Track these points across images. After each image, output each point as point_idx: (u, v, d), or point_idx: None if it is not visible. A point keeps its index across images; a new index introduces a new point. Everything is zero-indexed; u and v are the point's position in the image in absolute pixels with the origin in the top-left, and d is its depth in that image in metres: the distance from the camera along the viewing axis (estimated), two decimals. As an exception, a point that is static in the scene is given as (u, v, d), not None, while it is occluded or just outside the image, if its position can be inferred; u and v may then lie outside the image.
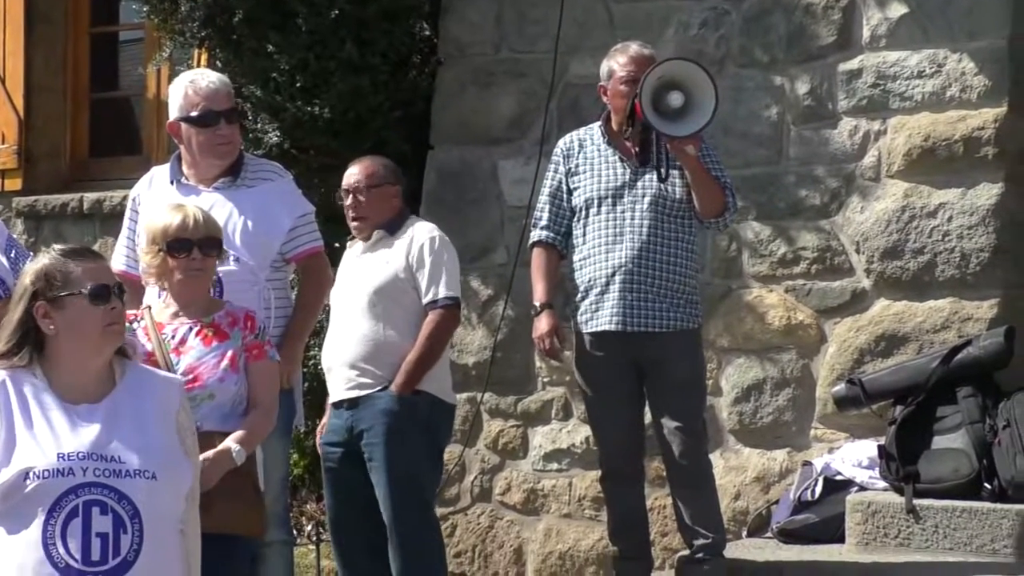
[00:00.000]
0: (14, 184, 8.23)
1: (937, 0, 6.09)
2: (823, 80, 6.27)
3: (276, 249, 5.14)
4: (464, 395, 6.54)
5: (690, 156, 5.22)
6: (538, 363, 6.67)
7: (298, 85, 6.74)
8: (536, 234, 5.54)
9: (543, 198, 5.56)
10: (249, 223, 5.06)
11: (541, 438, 6.70)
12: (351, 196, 5.49)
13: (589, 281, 5.38)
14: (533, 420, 6.72)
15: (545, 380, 6.70)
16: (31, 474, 3.23)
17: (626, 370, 5.37)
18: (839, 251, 6.22)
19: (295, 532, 6.25)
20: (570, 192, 5.48)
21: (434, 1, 7.02)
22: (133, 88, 8.46)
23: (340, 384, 5.37)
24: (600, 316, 5.35)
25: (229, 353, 4.43)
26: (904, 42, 6.14)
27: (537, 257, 5.54)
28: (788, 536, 5.82)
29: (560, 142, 5.61)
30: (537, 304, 5.48)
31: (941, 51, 6.07)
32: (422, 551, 5.30)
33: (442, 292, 5.35)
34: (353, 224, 5.51)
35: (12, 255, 4.62)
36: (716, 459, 6.01)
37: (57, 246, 3.49)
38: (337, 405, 5.41)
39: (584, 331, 5.42)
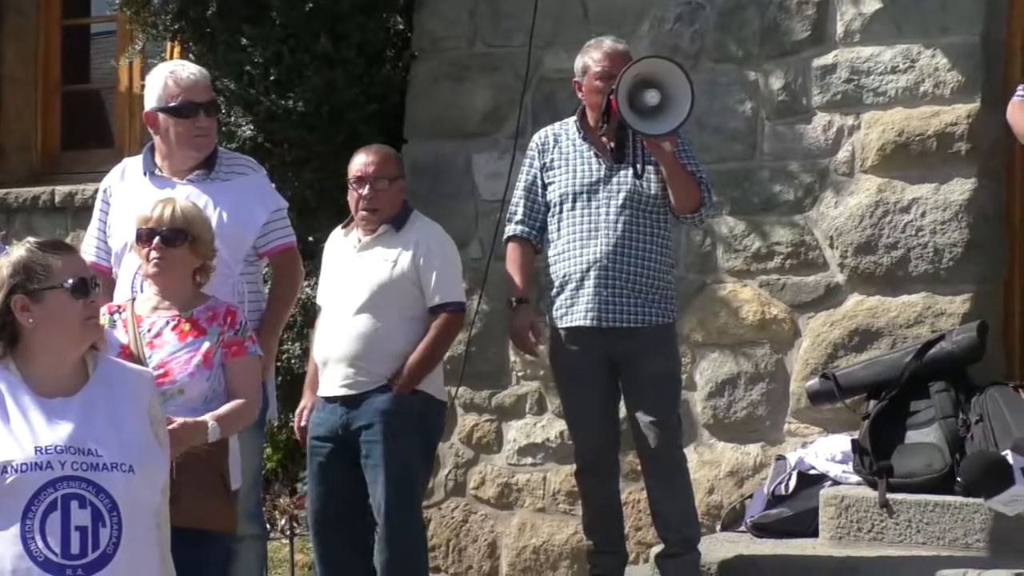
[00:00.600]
0: (-15, 177, 8.19)
1: (911, -4, 6.11)
2: (797, 75, 6.27)
3: (250, 243, 5.14)
4: (438, 389, 6.53)
5: (666, 153, 5.23)
6: (512, 357, 6.67)
7: (272, 78, 6.72)
8: (511, 228, 5.54)
9: (518, 192, 5.56)
10: (224, 216, 5.05)
11: (515, 432, 6.70)
12: (367, 186, 5.39)
13: (564, 276, 5.38)
14: (507, 414, 6.72)
15: (519, 374, 6.70)
16: (9, 468, 3.21)
17: (601, 365, 5.37)
18: (813, 246, 6.23)
19: (268, 526, 6.24)
20: (545, 187, 5.48)
21: (408, -5, 7.01)
22: (105, 81, 8.42)
23: (336, 380, 5.34)
24: (575, 311, 5.35)
25: (203, 348, 4.42)
26: (878, 37, 6.15)
27: (512, 251, 5.54)
28: (762, 530, 5.83)
29: (536, 136, 5.61)
30: (513, 299, 5.48)
31: (915, 47, 6.08)
32: (409, 549, 5.33)
33: (451, 296, 5.38)
34: (363, 214, 5.40)
35: (-14, 249, 4.59)
36: (690, 453, 6.02)
37: (32, 239, 3.47)
38: (330, 400, 5.38)
39: (559, 326, 5.42)
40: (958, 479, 5.48)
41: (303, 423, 5.51)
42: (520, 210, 5.52)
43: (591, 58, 5.44)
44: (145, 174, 5.15)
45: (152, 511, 3.35)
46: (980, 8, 6.02)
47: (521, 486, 6.69)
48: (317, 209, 6.64)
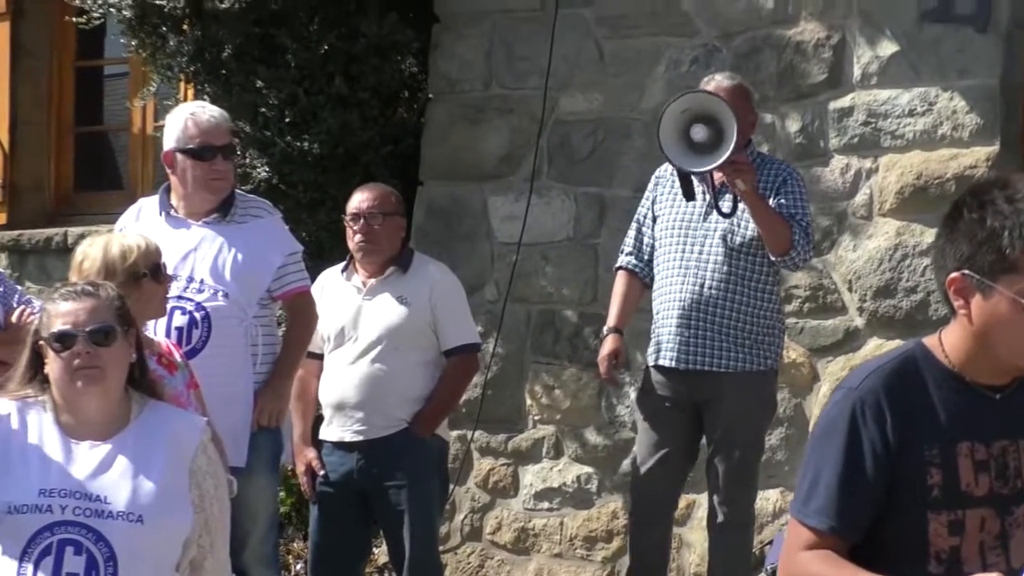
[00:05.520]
0: (-2, 219, 8.17)
1: (928, 39, 6.08)
2: (814, 118, 6.25)
3: (265, 286, 5.10)
4: (455, 433, 6.48)
5: (742, 190, 5.05)
6: (529, 401, 6.63)
7: (287, 120, 6.71)
8: (619, 260, 5.46)
9: (632, 224, 5.46)
10: (239, 259, 5.03)
11: (532, 477, 6.65)
12: (361, 221, 5.34)
13: (657, 314, 5.28)
14: (524, 458, 6.67)
15: (536, 418, 6.66)
16: (10, 508, 3.19)
17: (681, 407, 5.22)
18: (832, 289, 6.19)
19: (283, 572, 6.18)
20: (654, 221, 5.37)
21: (423, 37, 7.01)
22: (118, 122, 8.41)
23: (349, 425, 5.28)
24: (661, 351, 5.24)
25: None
26: (895, 80, 6.13)
27: (616, 281, 5.44)
28: (781, 577, 5.76)
29: (658, 169, 5.44)
30: (605, 327, 5.39)
31: (932, 89, 6.06)
32: None
33: (467, 338, 5.35)
34: (360, 250, 5.34)
35: (1, 290, 4.57)
36: (708, 499, 5.95)
37: (62, 283, 3.46)
38: (340, 445, 5.32)
39: (648, 363, 5.33)
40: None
41: (322, 472, 5.35)
42: (630, 242, 5.42)
43: None
44: (161, 214, 5.13)
45: (163, 564, 3.29)
46: (998, 51, 6.00)
47: (538, 531, 6.63)
48: (332, 250, 6.60)
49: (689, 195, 5.16)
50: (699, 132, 5.04)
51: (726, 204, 5.18)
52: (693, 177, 5.15)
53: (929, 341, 2.69)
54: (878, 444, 2.58)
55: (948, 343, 2.65)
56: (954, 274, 2.61)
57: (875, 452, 2.58)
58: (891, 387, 2.61)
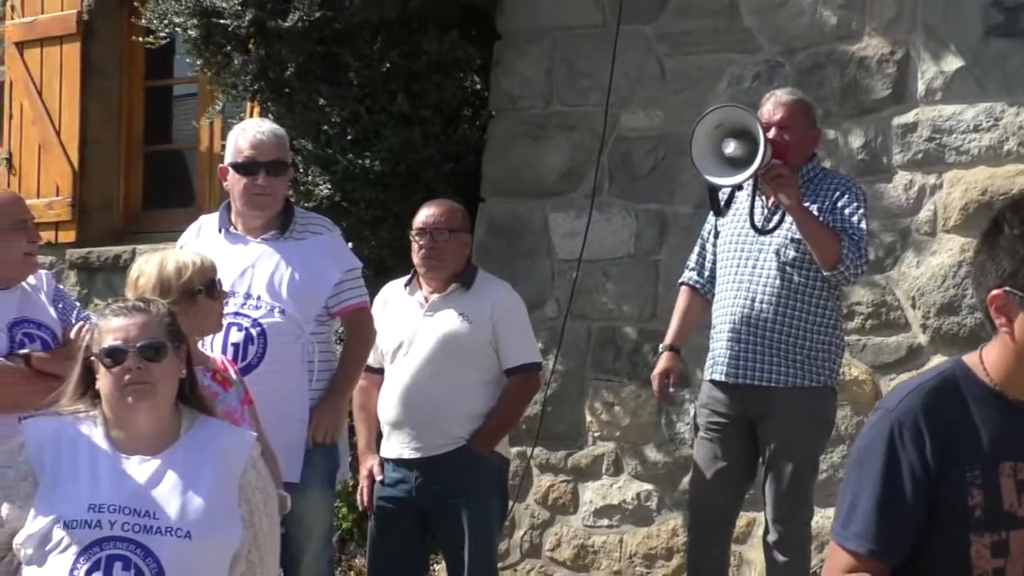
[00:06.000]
0: (68, 236, 8.27)
1: (994, 53, 6.01)
2: (877, 134, 6.20)
3: (322, 303, 5.09)
4: (515, 449, 6.46)
5: (785, 204, 5.01)
6: (588, 418, 6.61)
7: (349, 138, 6.74)
8: (683, 275, 5.44)
9: (698, 240, 5.44)
10: (296, 275, 5.02)
11: (592, 493, 6.63)
12: (427, 236, 5.32)
13: (715, 328, 5.26)
14: (583, 475, 6.65)
15: (596, 435, 6.64)
16: (60, 524, 3.22)
17: (737, 422, 5.18)
18: (895, 306, 6.13)
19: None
20: (716, 236, 5.35)
21: (485, 54, 7.02)
22: (186, 141, 8.50)
23: (409, 442, 5.25)
24: (715, 365, 5.22)
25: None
26: (960, 96, 6.06)
27: (679, 298, 5.43)
28: (842, 597, 5.69)
29: None
30: (661, 345, 5.38)
31: (998, 105, 5.99)
32: None
33: (529, 357, 5.33)
34: (425, 265, 5.32)
35: (60, 307, 4.62)
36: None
37: (113, 300, 3.49)
38: (400, 462, 5.29)
39: (704, 378, 5.31)
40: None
41: (380, 478, 5.35)
42: (694, 258, 5.41)
43: (764, 110, 5.24)
44: (220, 231, 5.15)
45: None
46: (1065, 65, 5.93)
47: (597, 548, 6.60)
48: (394, 268, 6.62)
49: (718, 210, 5.15)
50: (731, 147, 5.01)
51: (774, 220, 5.13)
52: (756, 194, 5.12)
53: (969, 359, 2.64)
54: (917, 466, 2.54)
55: (989, 361, 2.61)
56: (995, 291, 2.56)
57: (914, 474, 2.54)
58: (930, 407, 2.57)
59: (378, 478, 5.35)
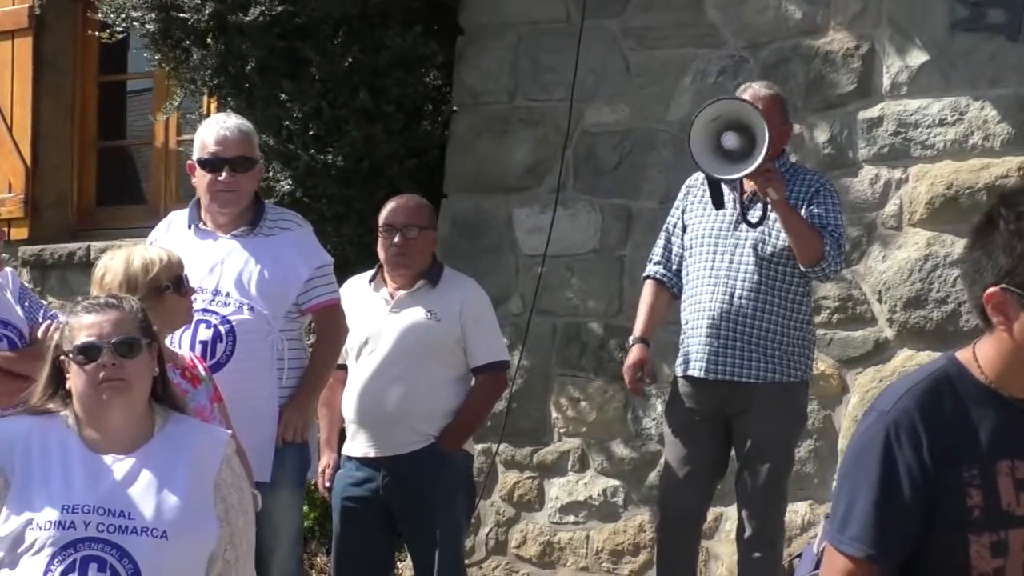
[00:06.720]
0: (20, 233, 8.14)
1: (959, 48, 6.03)
2: (843, 128, 6.21)
3: (291, 299, 5.04)
4: (480, 446, 6.44)
5: (773, 199, 4.99)
6: (554, 414, 6.58)
7: (311, 133, 6.69)
8: (647, 269, 5.39)
9: (661, 234, 5.39)
10: (265, 272, 4.97)
11: (557, 490, 6.60)
12: (398, 234, 5.26)
13: (686, 324, 5.21)
14: (549, 472, 6.62)
15: (561, 431, 6.61)
16: (32, 525, 3.15)
17: (710, 419, 5.15)
18: (861, 300, 6.14)
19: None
20: (684, 230, 5.31)
21: (447, 50, 6.98)
22: (141, 137, 8.40)
23: (375, 440, 5.21)
24: (689, 361, 5.18)
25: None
26: (925, 90, 6.08)
27: (644, 291, 5.37)
28: (812, 591, 5.71)
29: (689, 179, 5.37)
30: (631, 337, 5.32)
31: (963, 99, 6.01)
32: None
33: (496, 355, 5.29)
34: (395, 262, 5.26)
35: (26, 305, 4.55)
36: (736, 511, 5.90)
37: (81, 297, 3.42)
38: (365, 461, 5.25)
39: (677, 374, 5.27)
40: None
41: (328, 483, 5.36)
42: (658, 252, 5.35)
43: None
44: (190, 227, 5.09)
45: None
46: (1029, 59, 5.95)
47: (563, 545, 6.58)
48: (356, 264, 6.56)
49: (718, 203, 5.10)
50: (730, 140, 4.97)
51: (755, 214, 5.11)
52: (723, 186, 5.10)
53: (963, 356, 2.59)
54: (915, 468, 2.51)
55: (984, 358, 2.56)
56: (992, 289, 2.50)
57: (912, 476, 2.51)
58: (925, 407, 2.53)
59: (326, 484, 5.33)
